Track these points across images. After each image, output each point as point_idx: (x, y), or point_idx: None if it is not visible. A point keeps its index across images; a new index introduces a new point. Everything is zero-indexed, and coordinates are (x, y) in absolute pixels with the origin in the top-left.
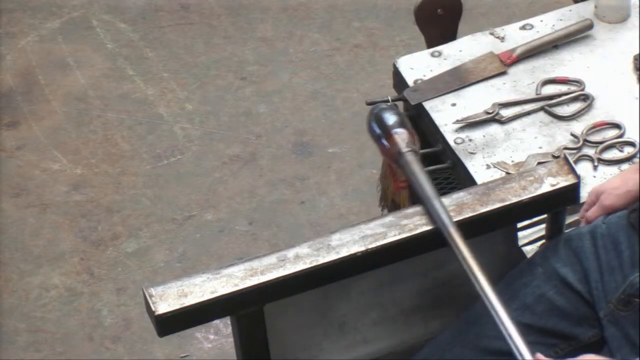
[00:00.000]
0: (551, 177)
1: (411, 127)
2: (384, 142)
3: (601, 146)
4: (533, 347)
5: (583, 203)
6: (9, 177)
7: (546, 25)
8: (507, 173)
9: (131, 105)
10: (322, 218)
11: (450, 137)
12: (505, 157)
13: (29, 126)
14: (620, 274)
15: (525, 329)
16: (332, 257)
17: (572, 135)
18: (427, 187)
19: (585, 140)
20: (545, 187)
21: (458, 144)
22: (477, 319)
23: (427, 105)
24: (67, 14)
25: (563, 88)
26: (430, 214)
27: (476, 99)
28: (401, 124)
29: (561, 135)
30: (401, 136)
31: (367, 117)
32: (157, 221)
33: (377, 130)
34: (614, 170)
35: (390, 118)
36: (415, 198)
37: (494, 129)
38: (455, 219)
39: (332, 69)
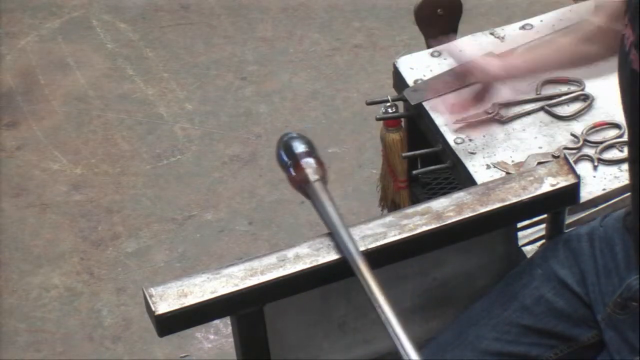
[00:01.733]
0: (551, 177)
1: (319, 156)
2: (291, 170)
3: (601, 146)
4: (532, 348)
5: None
6: (9, 177)
7: (546, 25)
8: (507, 173)
9: (131, 105)
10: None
11: (450, 137)
12: (505, 157)
13: (29, 126)
14: (617, 277)
15: (524, 330)
16: (332, 257)
17: (572, 135)
18: (334, 216)
19: (585, 140)
20: (545, 187)
21: (458, 144)
22: (477, 320)
23: (427, 105)
24: (67, 14)
25: (563, 88)
26: (338, 244)
27: None
28: (310, 154)
29: (561, 135)
30: (309, 164)
31: (277, 144)
32: (157, 221)
33: (285, 159)
34: (614, 170)
35: (299, 147)
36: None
37: (494, 129)
38: (455, 219)
39: (332, 69)
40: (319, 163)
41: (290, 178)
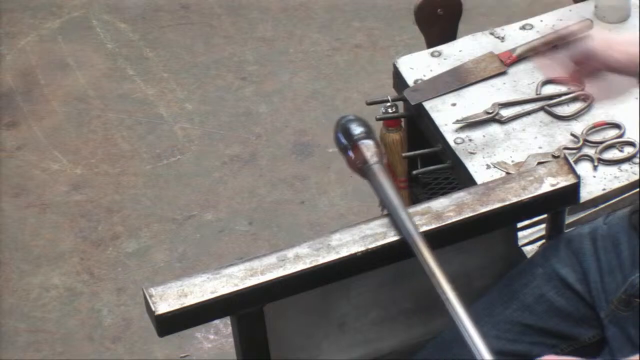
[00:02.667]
0: (551, 177)
1: (377, 139)
2: (350, 153)
3: (601, 146)
4: (533, 347)
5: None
6: (9, 177)
7: (546, 25)
8: (507, 173)
9: (131, 105)
10: (322, 218)
11: (450, 137)
12: (505, 157)
13: (29, 126)
14: (621, 275)
15: (525, 330)
16: (332, 257)
17: (572, 135)
18: (394, 198)
19: (585, 140)
20: (545, 187)
21: (458, 144)
22: (477, 320)
23: (427, 105)
24: (67, 14)
25: (563, 88)
26: (397, 225)
27: (476, 99)
28: (368, 135)
29: (561, 135)
30: (367, 147)
31: (334, 127)
32: (157, 221)
33: (344, 141)
34: (614, 170)
35: (357, 129)
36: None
37: (494, 129)
38: (455, 219)
39: (332, 69)
40: (377, 145)
41: (348, 160)
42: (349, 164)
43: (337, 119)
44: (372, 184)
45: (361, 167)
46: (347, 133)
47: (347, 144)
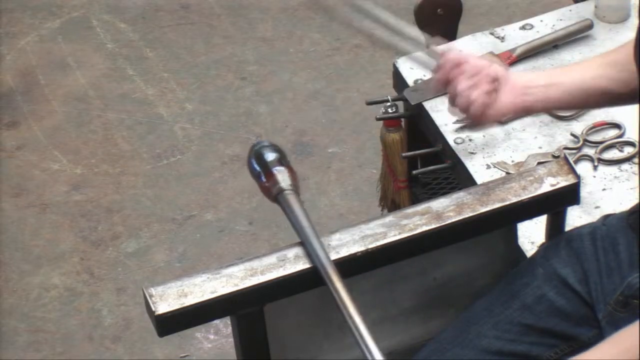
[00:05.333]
0: (551, 177)
1: (291, 165)
2: (263, 179)
3: (601, 146)
4: (533, 347)
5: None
6: (9, 177)
7: (546, 25)
8: (507, 173)
9: (131, 105)
10: (322, 218)
11: (450, 137)
12: (505, 157)
13: (29, 126)
14: (619, 276)
15: (525, 330)
16: (332, 257)
17: (572, 135)
18: (306, 226)
19: (585, 140)
20: (545, 187)
21: (458, 144)
22: (478, 319)
23: (427, 105)
24: (67, 14)
25: None
26: (309, 253)
27: None
28: (281, 162)
29: (561, 135)
30: (281, 174)
31: (248, 153)
32: (157, 221)
33: (257, 168)
34: (614, 170)
35: (270, 155)
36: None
37: (494, 129)
38: (455, 219)
39: (332, 69)
40: (291, 171)
41: (262, 187)
42: (262, 190)
43: (251, 145)
44: (284, 211)
45: (274, 194)
46: (260, 159)
47: (260, 170)
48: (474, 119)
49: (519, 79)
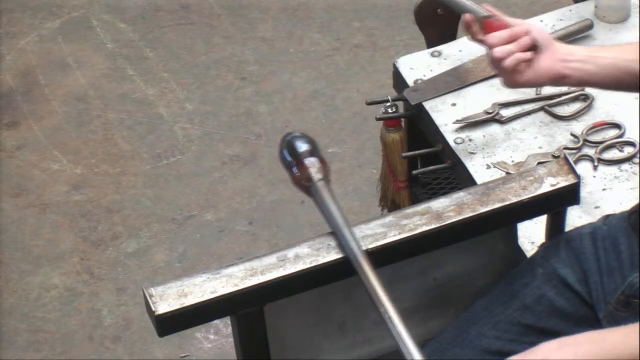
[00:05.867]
0: (551, 177)
1: (322, 156)
2: (295, 170)
3: (601, 146)
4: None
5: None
6: (9, 177)
7: (546, 25)
8: (507, 173)
9: (131, 105)
10: (322, 218)
11: (450, 137)
12: (505, 157)
13: (29, 126)
14: (620, 275)
15: (525, 330)
16: (332, 257)
17: (572, 135)
18: (338, 216)
19: (585, 140)
20: (545, 187)
21: (458, 144)
22: (478, 319)
23: (427, 105)
24: (67, 14)
25: (563, 88)
26: (341, 243)
27: (476, 99)
28: (313, 153)
29: (561, 135)
30: (312, 164)
31: (279, 144)
32: (157, 221)
33: (288, 158)
34: (614, 170)
35: (302, 146)
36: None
37: (494, 129)
38: (455, 219)
39: (332, 69)
40: (322, 162)
41: (293, 178)
42: (293, 181)
43: (283, 135)
44: (316, 202)
45: (306, 185)
46: (292, 150)
47: (292, 160)
48: (507, 81)
49: (561, 48)
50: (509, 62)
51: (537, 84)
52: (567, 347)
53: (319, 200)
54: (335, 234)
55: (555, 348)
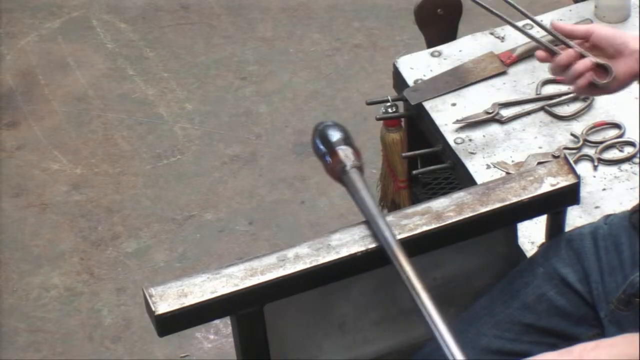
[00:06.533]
0: (551, 177)
1: (355, 144)
2: (328, 159)
3: (601, 146)
4: (533, 346)
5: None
6: (9, 177)
7: (546, 25)
8: (507, 173)
9: (131, 105)
10: (322, 218)
11: (450, 137)
12: (505, 157)
13: (29, 126)
14: (621, 274)
15: (525, 329)
16: (332, 257)
17: (572, 135)
18: (371, 205)
19: (585, 140)
20: (545, 187)
21: (458, 144)
22: (478, 318)
23: (427, 105)
24: (67, 14)
25: (563, 88)
26: (375, 232)
27: (476, 99)
28: (346, 141)
29: (561, 135)
30: (345, 153)
31: (312, 133)
32: (157, 221)
33: (321, 147)
34: (614, 170)
35: (335, 135)
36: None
37: (494, 129)
38: (455, 219)
39: (332, 69)
40: (355, 150)
41: (326, 167)
42: (326, 170)
43: (315, 124)
44: (349, 191)
45: (339, 174)
46: (325, 139)
47: (325, 150)
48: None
49: (630, 42)
50: (581, 83)
51: (626, 86)
52: (602, 348)
53: (352, 189)
54: (369, 222)
55: (590, 348)
